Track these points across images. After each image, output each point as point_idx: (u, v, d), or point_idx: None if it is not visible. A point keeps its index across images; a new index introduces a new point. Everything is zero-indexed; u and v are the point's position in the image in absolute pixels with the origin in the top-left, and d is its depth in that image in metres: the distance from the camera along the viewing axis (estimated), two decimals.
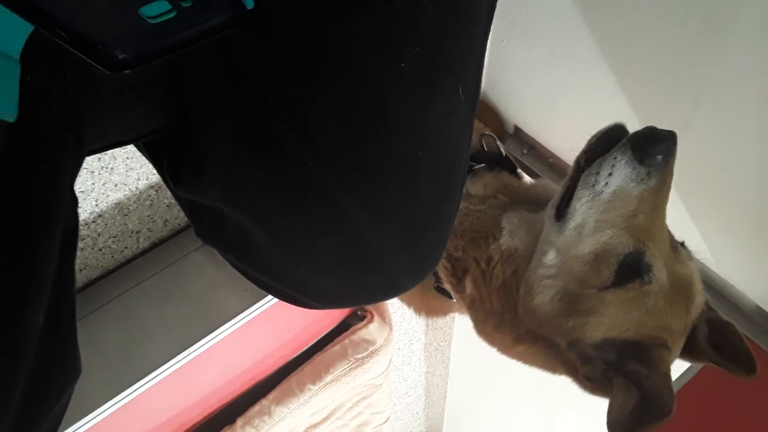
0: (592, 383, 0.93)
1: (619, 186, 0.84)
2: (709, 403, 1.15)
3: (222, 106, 0.56)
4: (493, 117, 1.52)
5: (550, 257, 0.91)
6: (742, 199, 1.07)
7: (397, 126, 0.57)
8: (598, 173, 0.86)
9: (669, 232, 0.91)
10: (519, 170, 1.18)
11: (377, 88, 0.55)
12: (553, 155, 1.44)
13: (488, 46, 0.65)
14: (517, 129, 1.51)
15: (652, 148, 0.82)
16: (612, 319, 0.87)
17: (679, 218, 1.20)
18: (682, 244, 0.95)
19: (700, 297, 0.91)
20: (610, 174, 0.85)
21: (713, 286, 1.24)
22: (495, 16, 0.63)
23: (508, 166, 1.12)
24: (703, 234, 1.18)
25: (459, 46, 0.58)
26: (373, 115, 0.56)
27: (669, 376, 0.87)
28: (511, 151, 1.51)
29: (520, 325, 0.97)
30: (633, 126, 1.16)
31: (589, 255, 0.87)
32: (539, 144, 1.47)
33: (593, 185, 0.86)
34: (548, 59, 1.30)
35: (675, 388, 0.99)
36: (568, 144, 1.40)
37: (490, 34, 0.63)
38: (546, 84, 1.34)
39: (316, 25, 0.51)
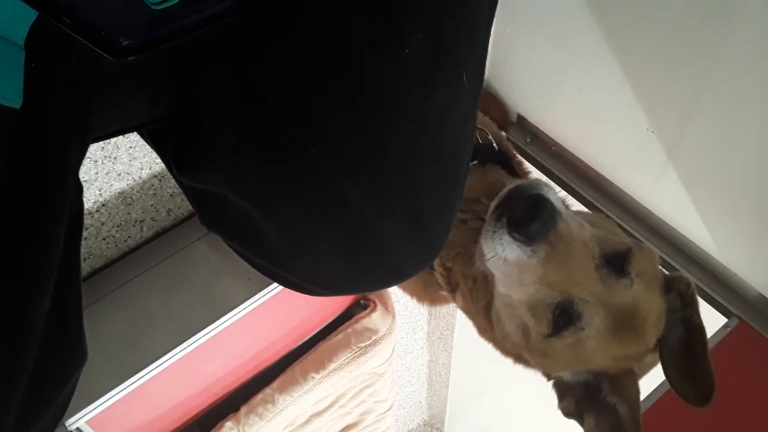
0: (569, 417, 0.96)
1: (515, 259, 0.85)
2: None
3: (226, 93, 0.56)
4: (497, 105, 1.51)
5: (501, 291, 0.94)
6: (745, 187, 1.07)
7: (400, 113, 0.57)
8: (499, 243, 0.87)
9: (600, 259, 0.88)
10: (517, 160, 1.17)
11: (381, 75, 0.55)
12: (556, 144, 1.44)
13: (492, 35, 0.65)
14: (520, 117, 1.50)
15: (526, 231, 0.83)
16: (565, 360, 0.91)
17: (683, 207, 1.20)
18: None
19: (652, 315, 0.89)
20: (503, 248, 0.86)
21: (716, 275, 1.24)
22: (498, 3, 0.63)
23: (500, 160, 1.11)
24: (705, 222, 1.18)
25: (463, 32, 0.57)
26: (377, 102, 0.56)
27: (637, 405, 0.89)
28: (514, 139, 1.50)
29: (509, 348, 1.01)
30: (638, 118, 1.16)
31: (524, 303, 0.89)
32: (543, 132, 1.46)
33: (499, 251, 0.87)
34: (552, 47, 1.29)
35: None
36: (571, 132, 1.39)
37: (494, 21, 0.63)
38: (549, 72, 1.34)
39: (320, 12, 0.51)
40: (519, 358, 1.02)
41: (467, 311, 1.07)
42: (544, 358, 0.94)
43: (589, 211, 1.02)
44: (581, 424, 0.94)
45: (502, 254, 0.86)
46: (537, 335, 0.90)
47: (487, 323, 1.03)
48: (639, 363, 0.91)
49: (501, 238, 0.86)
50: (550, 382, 0.98)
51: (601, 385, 0.93)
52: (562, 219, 0.84)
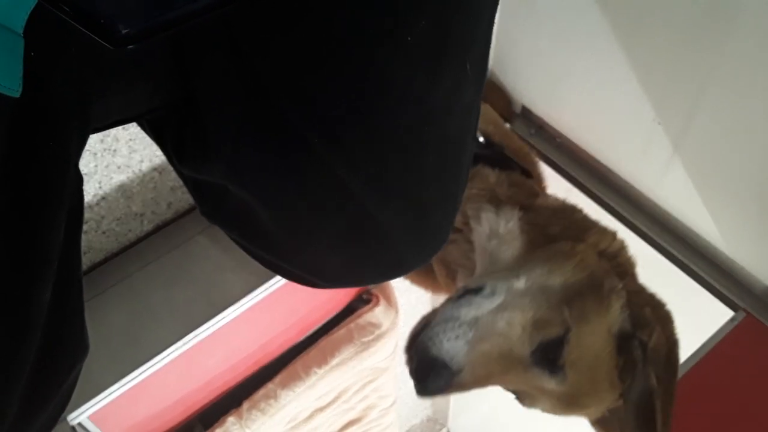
0: None
1: None
2: (712, 386, 1.15)
3: (226, 82, 0.56)
4: (501, 97, 1.51)
5: None
6: (752, 179, 1.07)
7: (403, 101, 0.57)
8: None
9: (531, 358, 0.84)
10: (515, 147, 1.16)
11: (384, 64, 0.54)
12: (561, 135, 1.44)
13: (496, 25, 0.64)
14: (525, 109, 1.50)
15: (424, 388, 0.84)
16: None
17: (689, 199, 1.20)
18: None
19: (600, 391, 0.85)
20: None
21: (722, 268, 1.24)
22: None
23: (489, 153, 1.10)
24: (712, 214, 1.18)
25: (466, 21, 0.57)
26: (379, 90, 0.56)
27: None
28: (518, 131, 1.50)
29: None
30: (644, 109, 1.16)
31: None
32: (548, 124, 1.46)
33: None
34: (556, 39, 1.29)
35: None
36: (577, 124, 1.39)
37: (498, 12, 0.63)
38: (555, 63, 1.33)
39: (322, 3, 0.51)
40: None
41: None
42: None
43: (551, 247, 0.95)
44: None
45: None
46: None
47: None
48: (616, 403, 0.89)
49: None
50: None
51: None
52: (458, 374, 0.82)
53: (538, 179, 1.13)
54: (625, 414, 0.85)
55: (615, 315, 0.86)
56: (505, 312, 0.84)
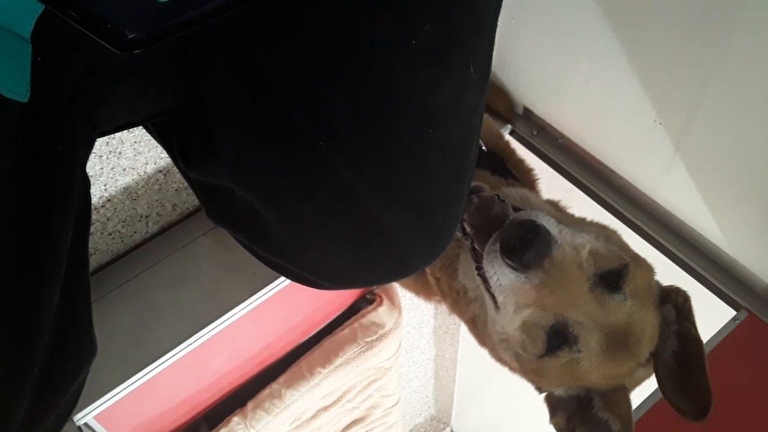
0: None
1: (509, 284, 0.85)
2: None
3: (232, 86, 0.56)
4: (503, 98, 1.51)
5: (498, 327, 0.94)
6: (754, 179, 1.07)
7: (407, 104, 0.57)
8: (490, 266, 0.86)
9: (594, 278, 0.86)
10: (516, 159, 1.16)
11: (388, 67, 0.55)
12: (563, 136, 1.44)
13: (497, 26, 0.64)
14: (526, 110, 1.50)
15: (520, 258, 0.82)
16: (558, 378, 0.91)
17: (690, 198, 1.20)
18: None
19: (646, 333, 0.87)
20: (496, 274, 0.85)
21: (724, 267, 1.24)
22: None
23: (491, 162, 1.10)
24: (714, 214, 1.18)
25: (470, 23, 0.57)
26: (383, 93, 0.56)
27: (629, 420, 0.89)
28: (520, 132, 1.50)
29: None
30: (646, 109, 1.16)
31: (519, 329, 0.88)
32: (549, 125, 1.46)
33: (492, 275, 0.86)
34: (558, 39, 1.29)
35: None
36: (578, 124, 1.39)
37: (500, 13, 0.63)
38: (556, 64, 1.33)
39: (326, 5, 0.51)
40: (512, 369, 1.03)
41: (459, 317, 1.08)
42: (538, 377, 0.94)
43: (592, 220, 1.00)
44: None
45: (494, 278, 0.86)
46: (530, 355, 0.89)
47: (478, 337, 1.04)
48: (630, 378, 0.90)
49: (493, 262, 0.85)
50: (542, 396, 0.98)
51: (593, 400, 0.92)
52: (557, 246, 0.83)
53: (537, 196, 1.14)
54: (658, 375, 0.89)
55: (653, 281, 0.93)
56: (578, 234, 0.88)
